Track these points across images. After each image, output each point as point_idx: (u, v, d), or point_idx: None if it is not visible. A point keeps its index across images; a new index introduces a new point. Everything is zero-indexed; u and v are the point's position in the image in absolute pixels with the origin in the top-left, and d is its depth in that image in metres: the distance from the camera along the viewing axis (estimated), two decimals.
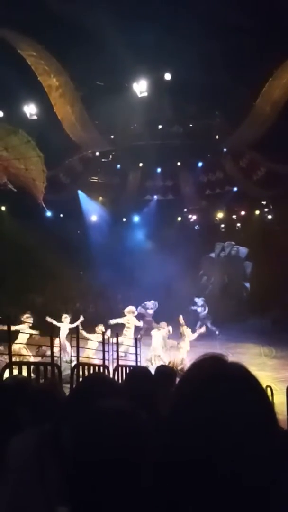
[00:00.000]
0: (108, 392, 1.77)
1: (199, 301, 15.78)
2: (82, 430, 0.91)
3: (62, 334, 10.47)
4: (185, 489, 0.72)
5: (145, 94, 13.40)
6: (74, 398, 1.89)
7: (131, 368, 6.63)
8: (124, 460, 0.85)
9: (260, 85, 13.34)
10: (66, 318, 10.97)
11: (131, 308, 11.98)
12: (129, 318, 11.68)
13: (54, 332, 8.49)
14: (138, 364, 9.54)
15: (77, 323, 10.48)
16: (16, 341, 9.36)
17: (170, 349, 11.16)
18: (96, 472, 0.83)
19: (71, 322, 10.88)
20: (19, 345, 9.35)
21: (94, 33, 10.83)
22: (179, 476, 0.72)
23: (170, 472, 0.74)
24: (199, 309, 15.60)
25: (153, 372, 3.01)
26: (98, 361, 8.79)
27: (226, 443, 0.70)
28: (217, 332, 15.25)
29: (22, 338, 9.52)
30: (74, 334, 9.00)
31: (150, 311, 13.93)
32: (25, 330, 9.51)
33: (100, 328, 10.34)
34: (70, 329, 10.54)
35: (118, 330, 10.41)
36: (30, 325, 9.64)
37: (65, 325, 10.74)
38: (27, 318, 9.89)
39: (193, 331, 11.04)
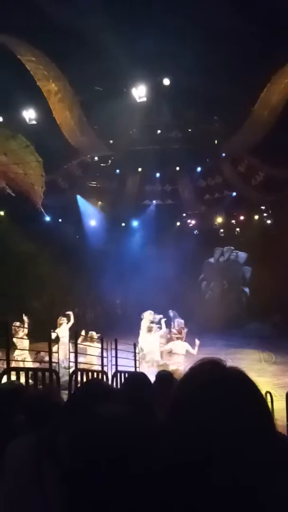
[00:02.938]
0: (107, 398, 1.74)
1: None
2: (80, 436, 0.90)
3: (63, 339, 10.36)
4: (182, 493, 0.71)
5: (144, 99, 13.43)
6: (72, 404, 1.86)
7: (129, 374, 6.57)
8: (123, 465, 0.83)
9: (258, 91, 13.40)
10: (63, 320, 10.89)
11: (148, 312, 11.47)
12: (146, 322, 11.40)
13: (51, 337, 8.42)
14: (137, 369, 9.47)
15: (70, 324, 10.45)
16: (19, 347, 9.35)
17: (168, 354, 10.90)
18: (95, 478, 0.82)
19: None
20: (23, 351, 9.31)
21: (93, 38, 10.86)
22: (177, 480, 0.72)
23: (168, 476, 0.73)
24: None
25: (152, 377, 2.97)
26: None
27: (224, 447, 0.70)
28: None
29: (25, 344, 9.50)
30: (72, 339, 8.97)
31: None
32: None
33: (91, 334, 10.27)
34: (70, 330, 10.46)
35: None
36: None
37: (63, 328, 10.67)
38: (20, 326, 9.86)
39: None
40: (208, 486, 0.69)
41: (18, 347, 9.35)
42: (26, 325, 10.12)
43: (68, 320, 10.93)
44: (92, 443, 0.85)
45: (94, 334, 10.33)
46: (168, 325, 11.89)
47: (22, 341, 9.62)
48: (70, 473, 0.86)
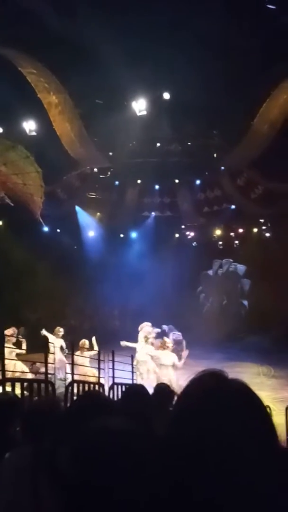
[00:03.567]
0: (104, 411, 1.70)
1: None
2: (80, 449, 0.88)
3: (57, 349, 10.24)
4: (186, 507, 0.69)
5: (144, 112, 13.59)
6: (70, 416, 1.83)
7: (127, 386, 6.49)
8: (128, 480, 0.82)
9: (257, 105, 13.56)
10: (60, 331, 10.80)
11: (145, 324, 11.43)
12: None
13: (48, 348, 8.35)
14: (134, 381, 9.37)
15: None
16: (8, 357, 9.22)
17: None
18: (96, 492, 0.80)
19: (64, 337, 10.69)
20: (16, 361, 9.21)
21: (94, 51, 11.01)
22: (179, 495, 0.70)
23: (169, 490, 0.71)
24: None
25: (150, 389, 2.93)
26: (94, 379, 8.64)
27: (226, 460, 0.69)
28: None
29: (13, 354, 9.39)
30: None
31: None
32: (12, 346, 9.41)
33: (83, 342, 10.19)
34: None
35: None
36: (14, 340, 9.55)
37: (59, 340, 10.57)
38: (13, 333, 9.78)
39: None
40: (211, 499, 0.67)
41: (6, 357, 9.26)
42: (19, 336, 10.03)
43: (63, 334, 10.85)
44: (95, 457, 0.84)
45: (86, 343, 10.22)
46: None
47: (12, 351, 9.53)
48: (71, 488, 0.84)
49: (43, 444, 1.78)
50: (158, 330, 11.91)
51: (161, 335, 12.30)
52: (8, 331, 9.47)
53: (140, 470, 0.82)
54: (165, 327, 13.19)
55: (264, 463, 0.70)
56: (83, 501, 0.80)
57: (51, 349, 9.71)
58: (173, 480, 0.71)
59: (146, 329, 10.75)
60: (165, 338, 10.19)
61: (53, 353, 9.53)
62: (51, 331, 10.59)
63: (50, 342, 9.69)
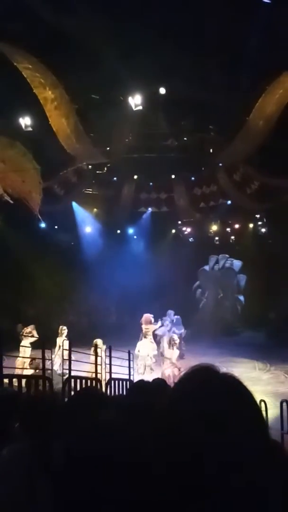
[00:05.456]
0: (101, 406, 1.74)
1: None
2: (72, 444, 0.91)
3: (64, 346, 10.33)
4: (177, 498, 0.71)
5: (140, 107, 13.53)
6: (67, 412, 1.86)
7: (135, 382, 6.55)
8: (119, 473, 0.83)
9: (253, 101, 13.55)
10: (64, 330, 10.94)
11: (146, 316, 11.56)
12: (147, 327, 11.45)
13: (46, 345, 8.41)
14: (131, 377, 9.43)
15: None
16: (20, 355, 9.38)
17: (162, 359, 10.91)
18: (89, 486, 0.81)
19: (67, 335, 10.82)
20: (23, 359, 9.31)
21: (89, 46, 10.97)
22: (170, 487, 0.71)
23: (163, 482, 0.72)
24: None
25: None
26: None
27: (217, 453, 0.70)
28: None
29: (26, 352, 9.51)
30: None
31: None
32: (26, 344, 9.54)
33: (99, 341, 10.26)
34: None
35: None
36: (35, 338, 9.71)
37: (61, 338, 10.68)
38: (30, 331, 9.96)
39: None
40: (203, 490, 0.69)
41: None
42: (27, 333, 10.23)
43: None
44: (89, 451, 0.85)
45: (99, 342, 10.29)
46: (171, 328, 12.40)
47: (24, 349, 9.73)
48: (63, 479, 0.85)
49: (39, 439, 1.81)
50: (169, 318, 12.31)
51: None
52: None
53: (132, 463, 0.83)
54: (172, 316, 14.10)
55: (252, 454, 0.71)
56: (75, 494, 0.81)
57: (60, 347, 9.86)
58: (164, 473, 0.72)
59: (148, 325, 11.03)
60: (173, 336, 10.41)
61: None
62: (50, 328, 10.72)
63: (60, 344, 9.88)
